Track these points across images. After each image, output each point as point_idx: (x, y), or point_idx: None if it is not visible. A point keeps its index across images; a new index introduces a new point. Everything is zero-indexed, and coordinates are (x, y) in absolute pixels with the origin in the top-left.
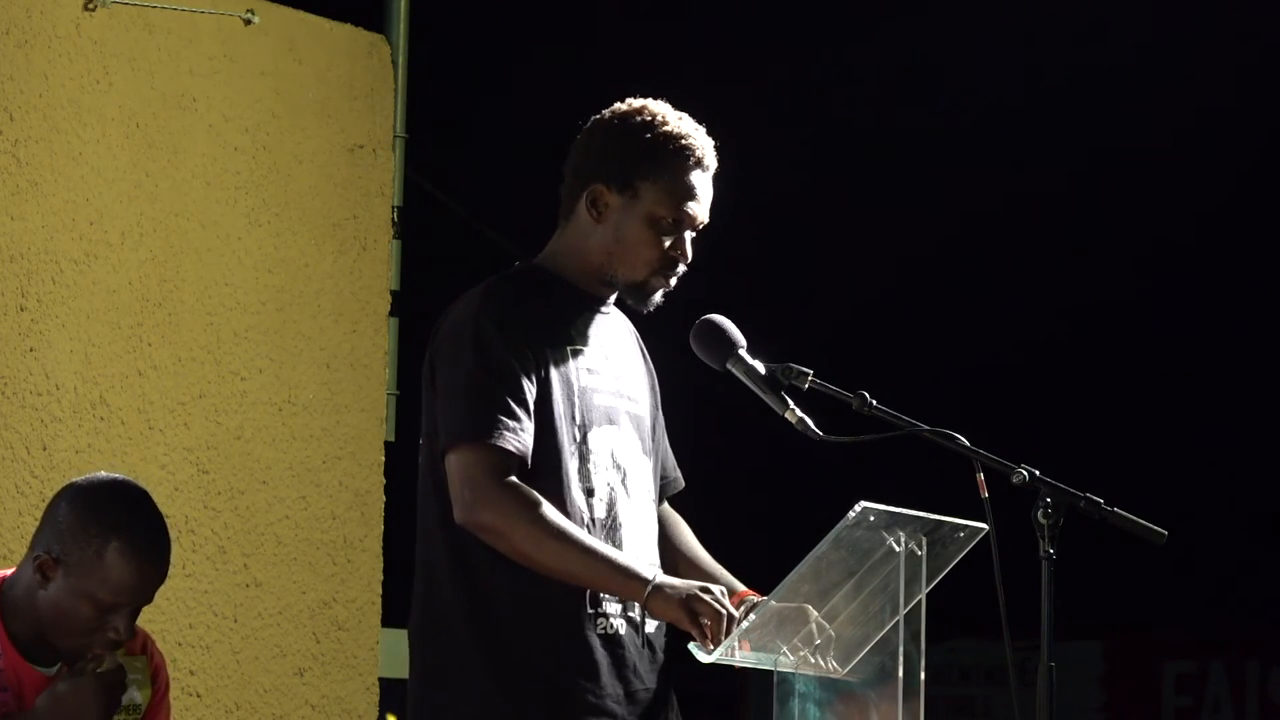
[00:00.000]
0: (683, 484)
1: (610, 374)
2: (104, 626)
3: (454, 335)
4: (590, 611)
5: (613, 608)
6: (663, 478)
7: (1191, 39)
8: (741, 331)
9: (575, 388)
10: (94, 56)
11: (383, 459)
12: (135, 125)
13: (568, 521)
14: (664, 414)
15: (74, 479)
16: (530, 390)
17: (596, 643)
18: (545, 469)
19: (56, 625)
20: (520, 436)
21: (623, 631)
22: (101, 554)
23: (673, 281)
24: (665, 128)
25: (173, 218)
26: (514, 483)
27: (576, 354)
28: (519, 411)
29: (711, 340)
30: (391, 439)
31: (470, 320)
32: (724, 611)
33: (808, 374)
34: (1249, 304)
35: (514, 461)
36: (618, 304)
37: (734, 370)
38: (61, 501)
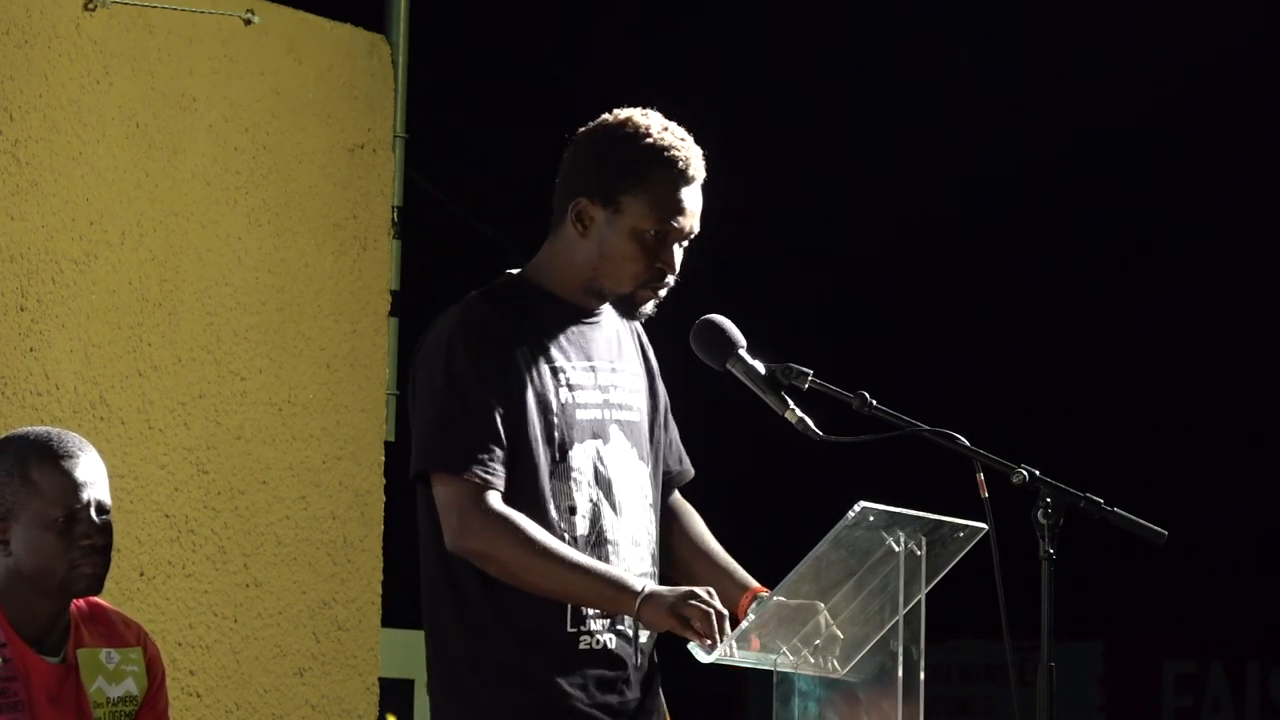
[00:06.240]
0: (692, 473)
1: (595, 386)
2: (73, 543)
3: (429, 358)
4: (572, 631)
5: (597, 624)
6: (668, 471)
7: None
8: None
9: (554, 405)
10: (94, 56)
11: (383, 459)
12: (135, 125)
13: (554, 540)
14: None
15: None
16: (500, 420)
17: (582, 657)
18: (523, 491)
19: (37, 574)
20: (490, 467)
21: (612, 645)
22: (29, 480)
23: (662, 293)
24: (648, 139)
25: (173, 218)
26: (498, 507)
27: (557, 372)
28: (490, 444)
29: (711, 340)
30: (391, 439)
31: (445, 344)
32: (711, 610)
33: (808, 374)
34: (1250, 301)
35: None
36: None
37: (734, 370)
38: None
